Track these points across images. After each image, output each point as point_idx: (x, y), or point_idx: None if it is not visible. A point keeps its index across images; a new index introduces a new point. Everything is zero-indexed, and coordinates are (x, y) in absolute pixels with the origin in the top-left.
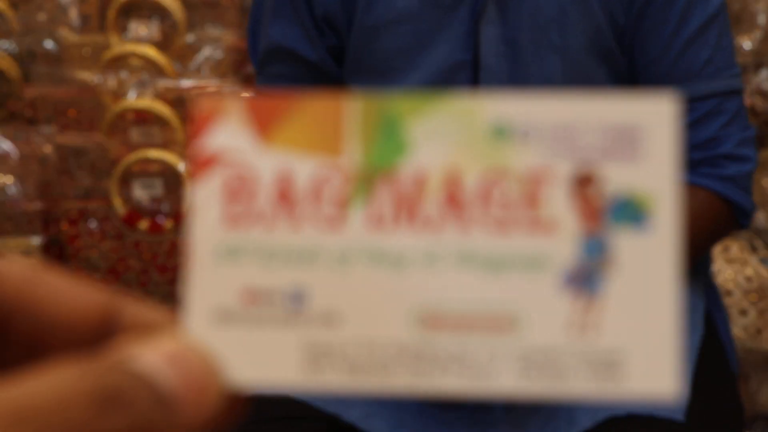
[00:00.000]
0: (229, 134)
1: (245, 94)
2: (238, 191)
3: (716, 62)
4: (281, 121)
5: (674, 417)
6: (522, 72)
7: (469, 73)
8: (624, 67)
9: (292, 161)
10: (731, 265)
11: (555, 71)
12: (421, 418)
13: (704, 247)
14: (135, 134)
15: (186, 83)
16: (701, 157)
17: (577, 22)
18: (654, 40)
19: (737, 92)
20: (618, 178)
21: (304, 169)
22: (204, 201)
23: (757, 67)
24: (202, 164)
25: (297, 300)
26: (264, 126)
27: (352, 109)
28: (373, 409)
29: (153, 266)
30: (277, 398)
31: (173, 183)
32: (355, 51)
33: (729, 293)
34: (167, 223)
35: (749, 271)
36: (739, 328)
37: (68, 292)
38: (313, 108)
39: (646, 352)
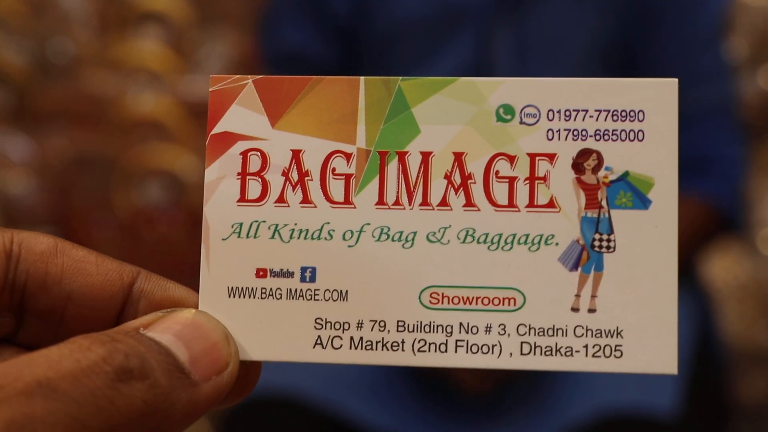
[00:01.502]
0: (244, 116)
1: (260, 77)
2: (253, 171)
3: (715, 68)
4: (295, 103)
5: (663, 413)
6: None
7: None
8: (630, 75)
9: (304, 142)
10: (723, 260)
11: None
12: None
13: (692, 249)
14: (146, 137)
15: (196, 86)
16: (693, 160)
17: (587, 32)
18: (661, 48)
19: (731, 96)
20: (620, 159)
21: (316, 150)
22: (219, 180)
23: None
24: (217, 145)
25: (309, 276)
26: (278, 108)
27: (364, 92)
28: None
29: (163, 268)
30: (278, 399)
31: (184, 185)
32: (366, 58)
33: (720, 289)
34: (180, 226)
35: (740, 266)
36: (729, 323)
37: (92, 265)
38: (325, 91)
39: (645, 329)
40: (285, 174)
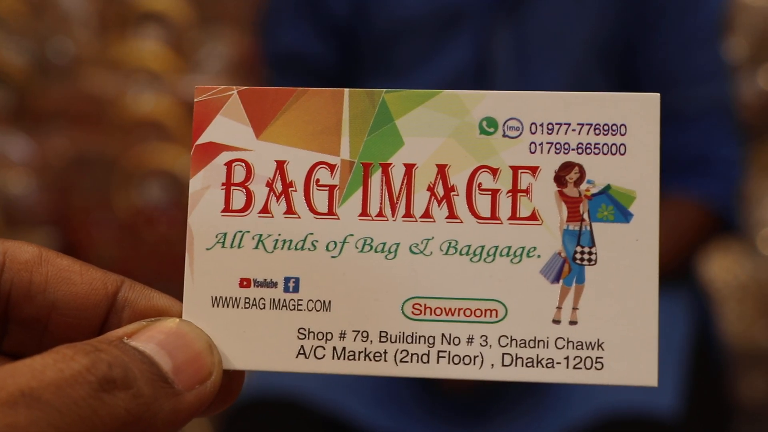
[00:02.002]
0: (229, 126)
1: (245, 88)
2: (237, 182)
3: (713, 67)
4: (279, 114)
5: (664, 413)
6: (531, 78)
7: (478, 79)
8: (628, 74)
9: (289, 153)
10: (723, 260)
11: (562, 78)
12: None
13: (690, 250)
14: (146, 137)
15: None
16: (690, 159)
17: (586, 32)
18: (660, 48)
19: (729, 96)
20: (602, 172)
21: (300, 161)
22: (203, 191)
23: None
24: (202, 155)
25: (292, 286)
26: (263, 119)
27: (348, 104)
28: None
29: (163, 268)
30: (277, 400)
31: (184, 185)
32: (365, 58)
33: (720, 289)
34: (180, 226)
35: (740, 266)
36: (728, 323)
37: (76, 274)
38: (310, 102)
39: (626, 342)
40: (269, 185)
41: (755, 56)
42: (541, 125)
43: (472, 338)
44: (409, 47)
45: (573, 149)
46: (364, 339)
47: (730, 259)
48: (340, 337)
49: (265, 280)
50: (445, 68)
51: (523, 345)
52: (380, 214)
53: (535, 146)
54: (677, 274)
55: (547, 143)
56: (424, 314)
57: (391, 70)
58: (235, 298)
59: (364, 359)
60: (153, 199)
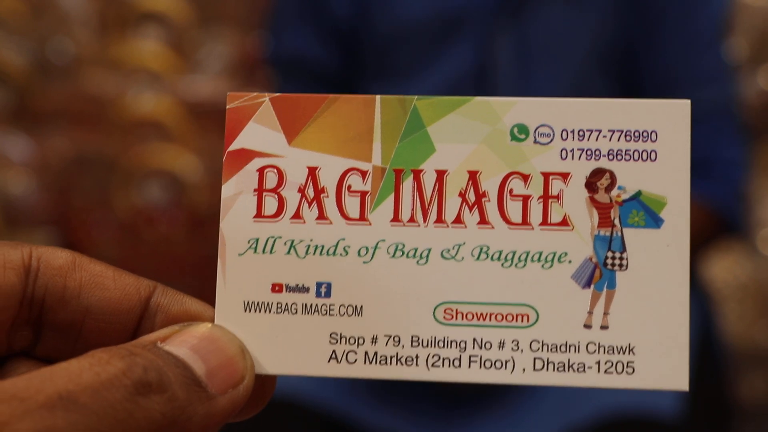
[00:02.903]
0: (261, 133)
1: (277, 95)
2: (269, 188)
3: (716, 69)
4: (311, 120)
5: (666, 414)
6: (532, 82)
7: (480, 82)
8: (629, 78)
9: (320, 159)
10: (723, 261)
11: (563, 82)
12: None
13: (693, 252)
14: (146, 137)
15: (196, 86)
16: (693, 161)
17: (588, 35)
18: (661, 51)
19: (732, 98)
20: (633, 178)
21: (332, 167)
22: (236, 197)
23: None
24: (234, 161)
25: (324, 291)
26: (294, 125)
27: (380, 111)
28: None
29: (163, 268)
30: (277, 400)
31: (184, 185)
32: (367, 61)
33: (720, 289)
34: (180, 226)
35: (740, 266)
36: (729, 324)
37: (109, 280)
38: (341, 109)
39: (657, 346)
40: (301, 190)
41: (755, 56)
42: (572, 132)
43: (503, 343)
44: (411, 51)
45: (604, 155)
46: (396, 344)
47: (731, 259)
48: (372, 341)
49: (297, 285)
50: (447, 72)
51: (554, 350)
52: (412, 219)
53: (566, 152)
54: None
55: (578, 149)
56: (456, 319)
57: (394, 73)
58: (268, 303)
59: (396, 364)
60: (153, 199)
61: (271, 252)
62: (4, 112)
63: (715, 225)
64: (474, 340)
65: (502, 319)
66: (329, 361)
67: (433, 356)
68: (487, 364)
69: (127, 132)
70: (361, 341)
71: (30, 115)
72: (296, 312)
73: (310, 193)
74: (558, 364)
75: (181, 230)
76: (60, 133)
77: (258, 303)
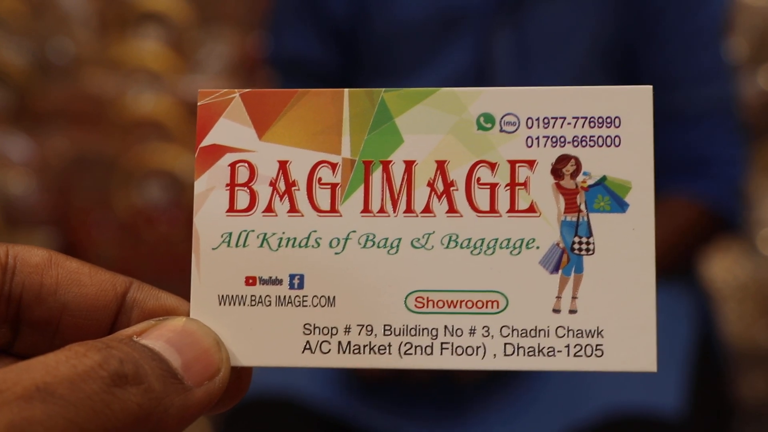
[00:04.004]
0: (232, 128)
1: (247, 90)
2: (241, 182)
3: (715, 67)
4: (281, 115)
5: (667, 413)
6: (531, 80)
7: (479, 81)
8: (629, 76)
9: (291, 153)
10: (723, 260)
11: (562, 81)
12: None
13: (691, 250)
14: (146, 137)
15: (196, 86)
16: (692, 160)
17: (587, 33)
18: (661, 49)
19: (731, 96)
20: (598, 164)
21: (302, 160)
22: (208, 192)
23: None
24: (206, 157)
25: (297, 283)
26: (265, 120)
27: (348, 104)
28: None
29: (163, 268)
30: (276, 400)
31: (184, 185)
32: (366, 60)
33: (720, 289)
34: (180, 226)
35: (740, 266)
36: (729, 323)
37: (85, 276)
38: (310, 103)
39: (625, 329)
40: (272, 184)
41: (755, 56)
42: (537, 120)
43: (474, 329)
44: (410, 50)
45: (569, 142)
46: (369, 333)
47: (730, 259)
48: (345, 331)
49: (271, 277)
50: (446, 71)
51: (524, 335)
52: (382, 210)
53: (532, 140)
54: (677, 272)
55: (544, 137)
56: (427, 307)
57: (393, 72)
58: (242, 296)
59: (369, 352)
60: (153, 199)
61: (244, 245)
62: (4, 112)
63: (712, 223)
64: (445, 327)
65: (473, 306)
66: (303, 351)
67: (405, 344)
68: (459, 350)
69: (127, 132)
70: (334, 331)
71: (30, 115)
72: (270, 304)
73: (282, 186)
74: (528, 348)
75: (181, 230)
76: (60, 133)
77: (232, 296)
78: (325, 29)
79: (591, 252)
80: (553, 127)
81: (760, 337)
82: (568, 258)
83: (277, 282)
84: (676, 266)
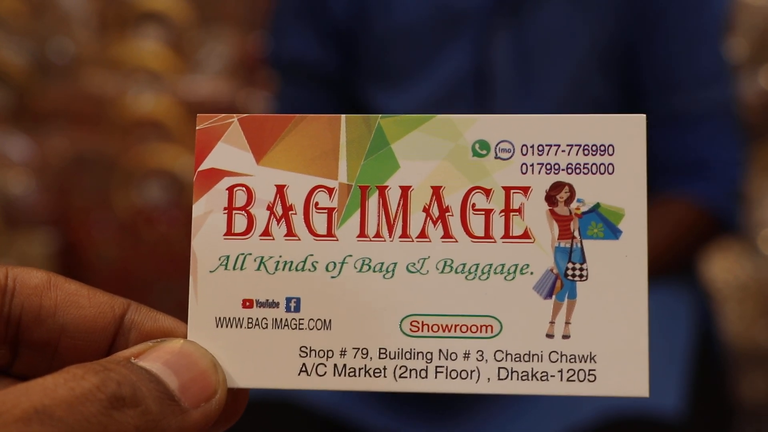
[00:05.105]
0: (230, 153)
1: (245, 115)
2: (239, 206)
3: (716, 69)
4: (278, 140)
5: (668, 414)
6: (531, 83)
7: (478, 83)
8: (629, 78)
9: (288, 178)
10: (723, 261)
11: (562, 83)
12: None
13: (691, 252)
14: (146, 137)
15: (196, 86)
16: (692, 162)
17: (587, 35)
18: (661, 51)
19: (732, 98)
20: (591, 191)
21: (299, 185)
22: (206, 215)
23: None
24: (204, 181)
25: (293, 306)
26: (262, 145)
27: (345, 129)
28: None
29: (163, 268)
30: (276, 401)
31: (184, 185)
32: (366, 62)
33: (720, 289)
34: (180, 226)
35: (740, 266)
36: (729, 323)
37: (84, 298)
38: (308, 128)
39: (618, 354)
40: (270, 208)
41: (755, 56)
42: (532, 147)
43: (468, 353)
44: (410, 52)
45: (563, 169)
46: (364, 356)
47: (731, 259)
48: (341, 354)
49: (267, 300)
50: (446, 73)
51: (518, 359)
52: (378, 235)
53: (527, 167)
54: (677, 274)
55: (538, 164)
56: (422, 331)
57: (393, 74)
58: (239, 319)
59: (365, 375)
60: (153, 199)
61: (241, 269)
62: (4, 112)
63: (712, 225)
64: (440, 351)
65: (467, 330)
66: (299, 374)
67: (400, 368)
68: (453, 374)
69: (127, 132)
70: (330, 354)
71: (30, 115)
72: (267, 326)
73: (279, 210)
74: (522, 373)
75: (180, 230)
76: (60, 133)
77: (229, 318)
78: (325, 31)
79: (584, 278)
80: (548, 154)
81: (760, 337)
82: (561, 284)
83: (274, 305)
84: (675, 267)
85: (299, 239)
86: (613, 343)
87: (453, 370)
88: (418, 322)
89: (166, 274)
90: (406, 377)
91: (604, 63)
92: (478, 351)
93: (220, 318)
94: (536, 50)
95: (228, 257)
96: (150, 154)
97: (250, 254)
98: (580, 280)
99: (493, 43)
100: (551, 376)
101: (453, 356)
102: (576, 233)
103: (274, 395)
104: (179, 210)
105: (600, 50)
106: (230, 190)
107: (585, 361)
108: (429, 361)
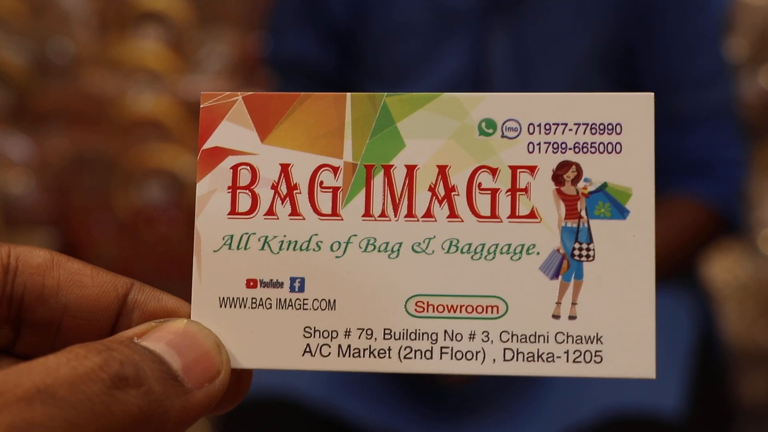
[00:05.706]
0: (234, 131)
1: (249, 93)
2: (243, 185)
3: (716, 69)
4: (283, 118)
5: (668, 414)
6: (529, 83)
7: (477, 83)
8: (629, 78)
9: (293, 156)
10: (723, 261)
11: (561, 82)
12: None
13: (693, 252)
14: (146, 137)
15: (196, 86)
16: (694, 162)
17: (586, 34)
18: (661, 51)
19: (732, 98)
20: (599, 170)
21: (304, 164)
22: (210, 194)
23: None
24: (208, 159)
25: (298, 286)
26: (267, 123)
27: (350, 108)
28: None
29: (163, 268)
30: (275, 400)
31: (184, 185)
32: (364, 61)
33: (720, 289)
34: (180, 226)
35: (741, 266)
36: (729, 323)
37: (87, 278)
38: (313, 106)
39: (624, 335)
40: (274, 187)
41: (755, 56)
42: (539, 126)
43: (474, 334)
44: (409, 51)
45: (570, 148)
46: (369, 336)
47: (731, 259)
48: (345, 335)
49: (272, 280)
50: (444, 72)
51: (523, 340)
52: (383, 214)
53: (533, 146)
54: (681, 274)
55: (545, 143)
56: (427, 311)
57: (391, 73)
58: (242, 299)
59: (369, 356)
60: (153, 199)
61: (245, 248)
62: (4, 112)
63: (715, 225)
64: (445, 331)
65: (473, 311)
66: (304, 354)
67: (405, 348)
68: (458, 355)
69: (127, 132)
70: (334, 335)
71: (30, 115)
72: (271, 307)
73: (283, 189)
74: (527, 354)
75: (181, 230)
76: (60, 133)
77: (233, 298)
78: (324, 30)
79: (591, 258)
80: (555, 133)
81: (760, 337)
82: (568, 264)
83: (278, 285)
84: (678, 267)
85: (304, 219)
86: (620, 324)
87: (458, 351)
88: (424, 303)
89: (166, 274)
90: (411, 358)
91: (603, 63)
92: (484, 332)
93: (223, 298)
94: (535, 50)
95: (232, 237)
96: (150, 154)
97: (255, 234)
98: (587, 261)
99: (492, 43)
100: (557, 357)
101: (458, 337)
102: (583, 213)
103: (271, 392)
104: (179, 210)
105: (599, 50)
106: (234, 168)
107: (591, 342)
108: (434, 342)
